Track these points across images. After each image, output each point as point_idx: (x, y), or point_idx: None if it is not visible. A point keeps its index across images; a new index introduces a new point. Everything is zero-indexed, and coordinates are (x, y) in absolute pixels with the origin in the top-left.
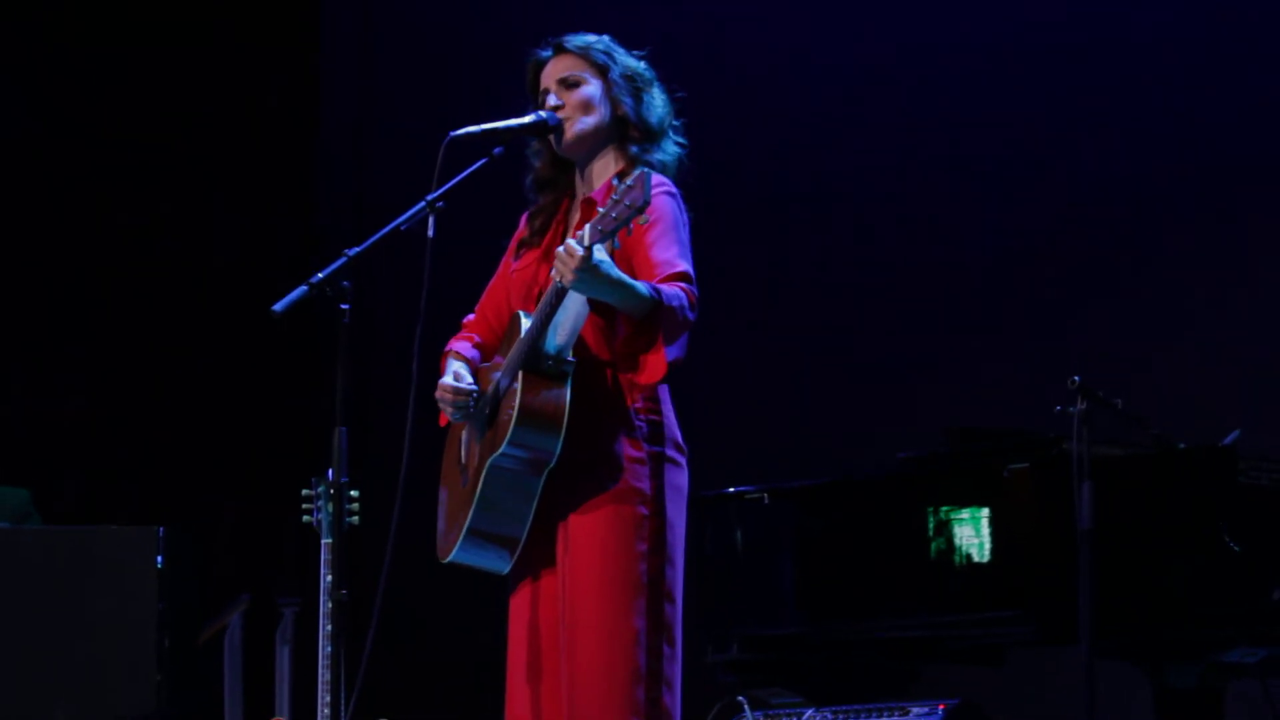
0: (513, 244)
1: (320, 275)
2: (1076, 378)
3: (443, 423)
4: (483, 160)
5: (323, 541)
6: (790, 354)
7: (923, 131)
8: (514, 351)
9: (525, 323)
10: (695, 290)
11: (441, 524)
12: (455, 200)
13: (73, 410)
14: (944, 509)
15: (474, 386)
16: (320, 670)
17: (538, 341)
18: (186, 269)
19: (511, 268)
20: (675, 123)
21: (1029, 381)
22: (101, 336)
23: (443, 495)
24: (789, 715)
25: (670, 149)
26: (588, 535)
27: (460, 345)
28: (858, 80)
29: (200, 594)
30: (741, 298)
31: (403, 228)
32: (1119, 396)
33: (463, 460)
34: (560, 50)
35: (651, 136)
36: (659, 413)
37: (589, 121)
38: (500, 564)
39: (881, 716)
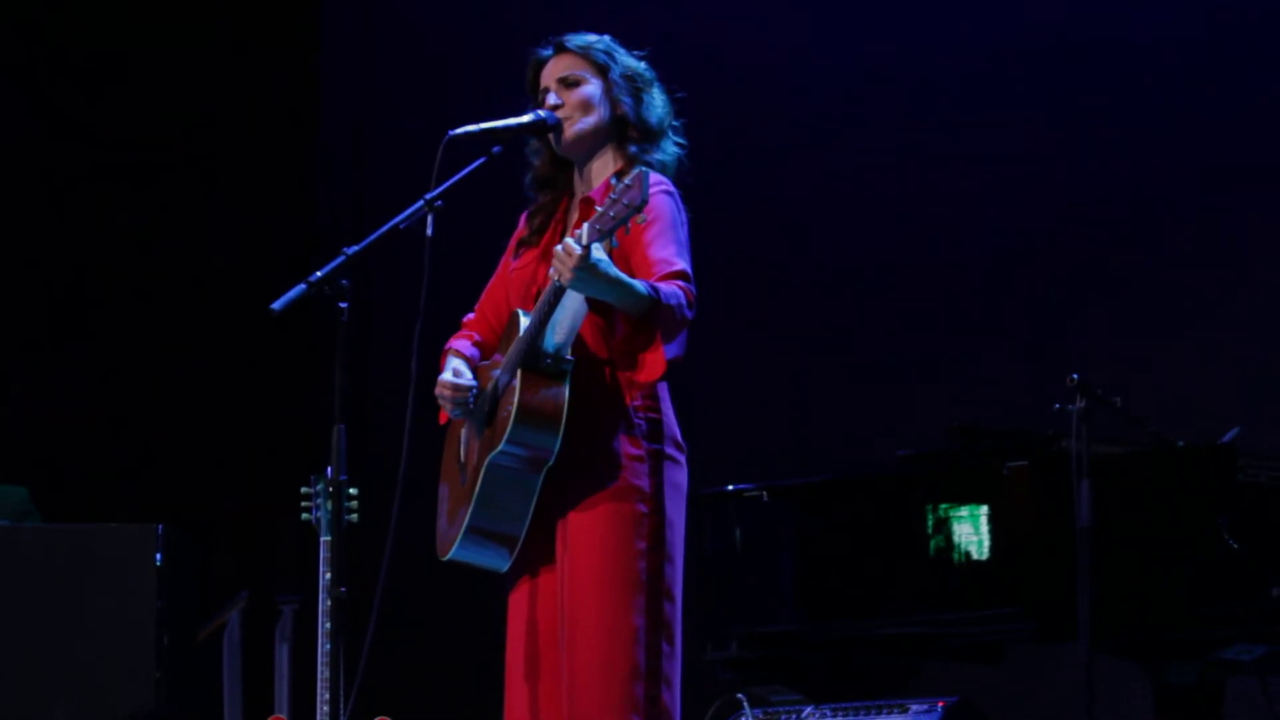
0: (512, 243)
1: (319, 274)
2: (1075, 375)
3: (443, 420)
4: (482, 159)
5: (322, 539)
6: (790, 352)
7: (923, 131)
8: (513, 350)
9: (524, 321)
10: (693, 288)
11: (441, 522)
12: (454, 199)
13: (72, 409)
14: (943, 507)
15: (473, 382)
16: (319, 668)
17: (536, 340)
18: (186, 269)
19: (510, 267)
20: (675, 123)
21: (1029, 381)
22: (101, 336)
23: (442, 493)
24: (788, 713)
25: (670, 149)
26: (587, 533)
27: (460, 343)
28: (858, 80)
29: (199, 592)
30: (741, 297)
31: (401, 226)
32: (1118, 395)
33: (462, 458)
34: (561, 49)
35: (651, 136)
36: (658, 410)
37: (588, 121)
38: (499, 562)
39: (881, 714)
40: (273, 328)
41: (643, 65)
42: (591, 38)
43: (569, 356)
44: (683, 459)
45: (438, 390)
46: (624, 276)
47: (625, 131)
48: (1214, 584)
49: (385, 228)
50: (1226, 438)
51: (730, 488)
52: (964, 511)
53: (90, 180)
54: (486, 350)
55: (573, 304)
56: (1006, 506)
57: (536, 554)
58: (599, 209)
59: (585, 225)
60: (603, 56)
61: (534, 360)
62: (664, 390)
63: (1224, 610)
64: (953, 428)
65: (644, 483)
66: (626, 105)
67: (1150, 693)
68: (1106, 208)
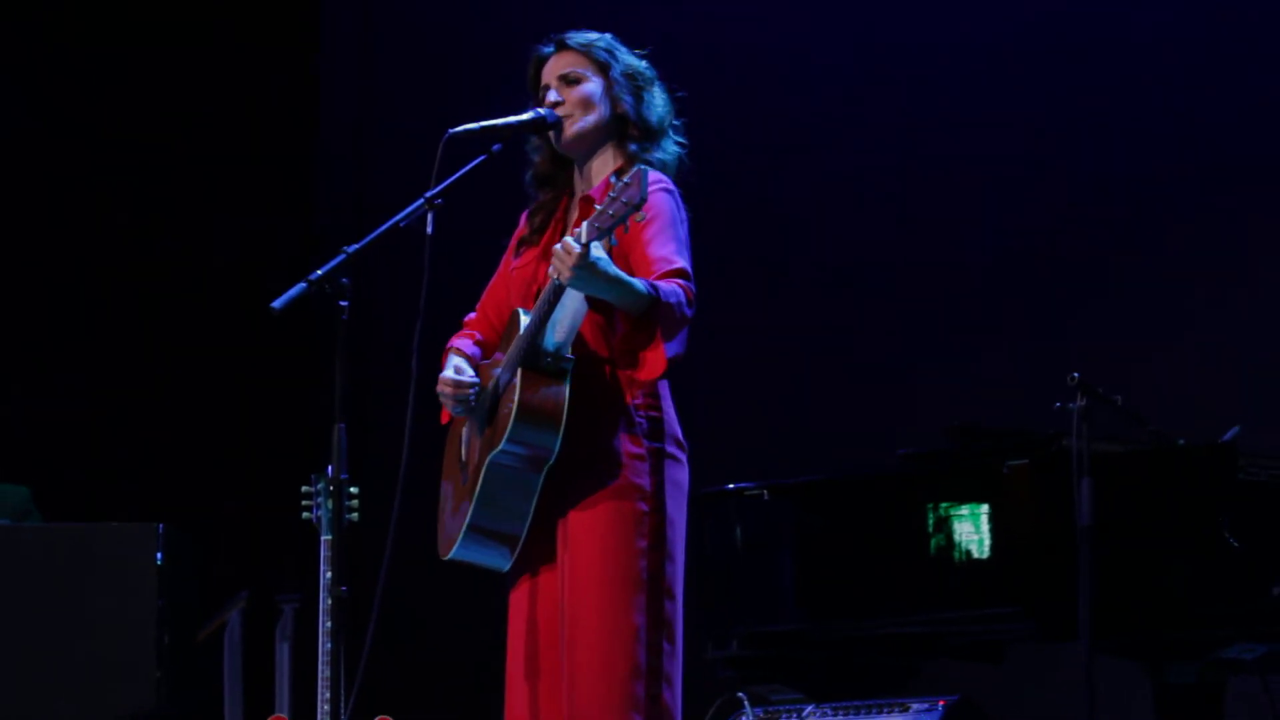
0: (513, 242)
1: (319, 272)
2: (1075, 374)
3: (444, 420)
4: (481, 157)
5: (322, 538)
6: (790, 352)
7: (923, 131)
8: (513, 348)
9: (524, 320)
10: (693, 287)
11: (442, 521)
12: (454, 197)
13: (72, 409)
14: (944, 506)
15: (475, 379)
16: (320, 667)
17: (536, 339)
18: (186, 268)
19: (511, 266)
20: (675, 122)
21: (1029, 381)
22: (101, 336)
23: (443, 492)
24: (789, 712)
25: (670, 148)
26: (587, 532)
27: (461, 342)
28: (858, 80)
29: (200, 591)
30: (742, 296)
31: (401, 225)
32: (1118, 394)
33: (463, 457)
34: (562, 47)
35: (651, 135)
36: (659, 409)
37: (588, 119)
38: (500, 561)
39: (881, 713)
40: (273, 327)
41: (643, 64)
42: (593, 36)
43: (569, 355)
44: (684, 457)
45: (439, 388)
46: (623, 275)
47: (625, 130)
48: (1214, 583)
49: (385, 226)
50: (1227, 436)
51: (731, 486)
52: (964, 510)
53: (90, 180)
54: (488, 349)
55: (573, 302)
56: (1007, 505)
57: (537, 553)
58: (598, 207)
59: (584, 224)
60: (604, 55)
61: (534, 359)
62: (665, 389)
63: (1224, 609)
64: (953, 427)
65: (645, 481)
66: (627, 104)
67: (1151, 692)
68: (1106, 208)
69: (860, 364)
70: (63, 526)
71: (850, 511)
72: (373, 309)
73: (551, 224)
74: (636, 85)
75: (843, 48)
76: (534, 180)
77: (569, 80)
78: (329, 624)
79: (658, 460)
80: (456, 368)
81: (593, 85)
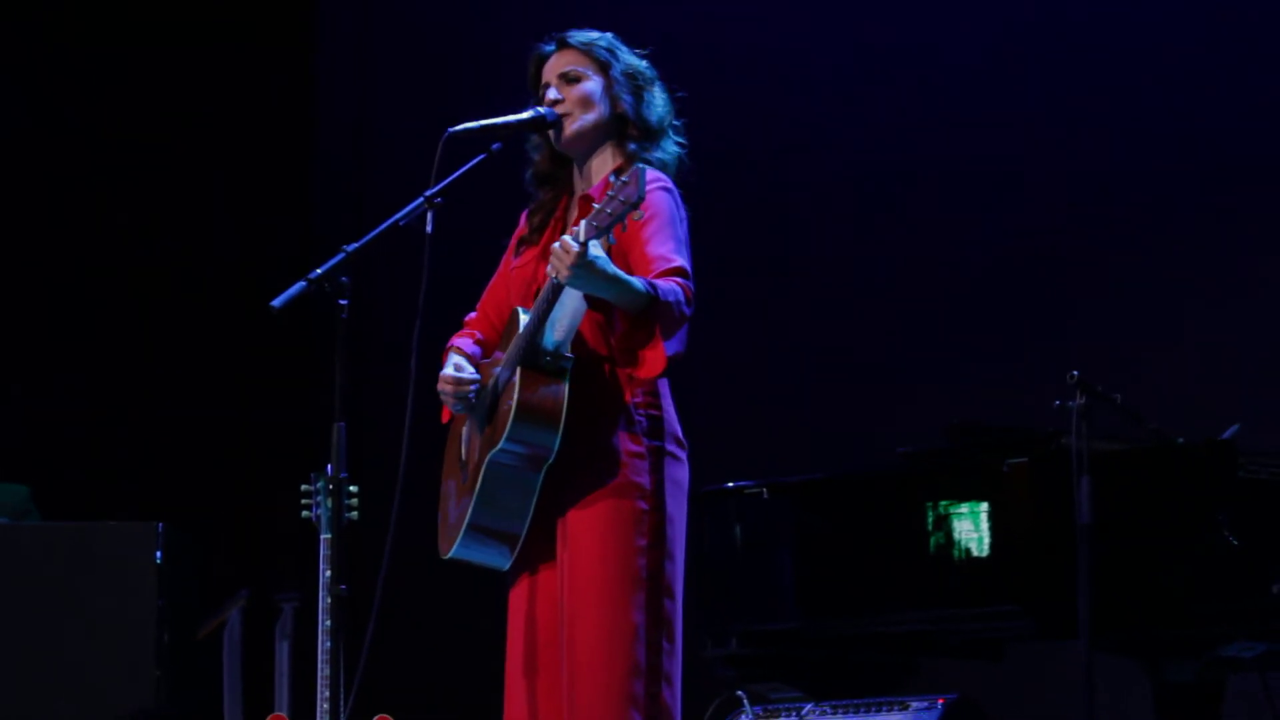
0: (513, 241)
1: (319, 271)
2: (1075, 372)
3: (445, 419)
4: (481, 156)
5: (322, 537)
6: (790, 350)
7: (923, 131)
8: (512, 347)
9: (524, 319)
10: (692, 285)
11: (442, 520)
12: (454, 196)
13: (72, 408)
14: (943, 504)
15: (475, 376)
16: (319, 666)
17: (535, 337)
18: (186, 268)
19: (511, 265)
20: (676, 122)
21: (1029, 381)
22: (101, 336)
23: (444, 491)
24: (788, 710)
25: (670, 148)
26: (587, 530)
27: (461, 341)
28: (858, 80)
29: (199, 590)
30: (742, 295)
31: (401, 224)
32: (1118, 393)
33: (463, 456)
34: (563, 45)
35: (650, 135)
36: (659, 407)
37: (588, 118)
38: (500, 560)
39: (880, 711)
40: (272, 326)
41: (644, 64)
42: (594, 34)
43: (568, 354)
44: (684, 456)
45: (440, 386)
46: (621, 273)
47: (625, 129)
48: (1214, 581)
49: (385, 225)
50: (1226, 434)
51: (730, 485)
52: (964, 509)
53: (89, 180)
54: (488, 348)
55: (571, 301)
56: (1006, 504)
57: (537, 552)
58: (596, 206)
59: (582, 222)
60: (604, 54)
61: (533, 358)
62: (665, 387)
63: (1224, 607)
64: (953, 426)
65: (644, 479)
66: (626, 103)
67: (1150, 690)
68: (1106, 208)
69: (860, 363)
70: (62, 525)
71: (850, 510)
72: (372, 308)
73: (551, 223)
74: (636, 85)
75: (843, 48)
76: (534, 179)
77: (569, 79)
78: (328, 623)
79: (657, 458)
80: (456, 365)
81: (593, 84)
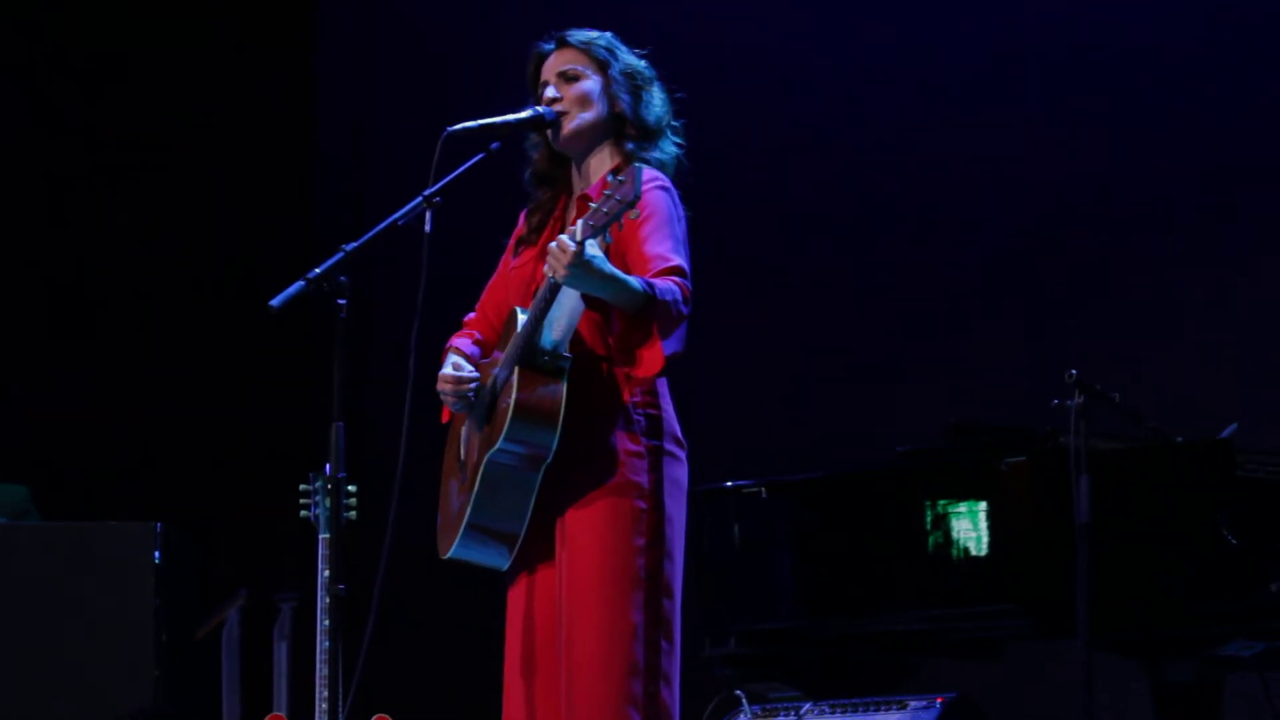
0: (512, 241)
1: (317, 270)
2: (1073, 371)
3: (445, 419)
4: (480, 155)
5: (320, 536)
6: (789, 349)
7: (923, 131)
8: (510, 346)
9: (522, 319)
10: (689, 284)
11: (441, 520)
12: (453, 196)
13: (72, 409)
14: (941, 503)
15: (475, 374)
16: (318, 665)
17: (533, 337)
18: (185, 268)
19: (510, 265)
20: (675, 123)
21: (1028, 380)
22: (101, 336)
23: (443, 491)
24: (786, 709)
25: (668, 148)
26: (585, 529)
27: (460, 341)
28: (858, 80)
29: (198, 589)
30: (741, 294)
31: (400, 223)
32: (1116, 392)
33: (462, 456)
34: (562, 44)
35: (648, 135)
36: (657, 406)
37: (586, 116)
38: (499, 560)
39: (879, 710)
40: (271, 325)
41: (643, 64)
42: (593, 34)
43: (566, 353)
44: (683, 455)
45: (439, 385)
46: (618, 272)
47: (623, 128)
48: (1212, 580)
49: (384, 224)
50: (1224, 433)
51: (729, 484)
52: (962, 508)
53: (89, 180)
54: (487, 349)
55: (569, 301)
56: (1005, 503)
57: (536, 552)
58: (593, 205)
59: (579, 221)
60: (603, 53)
61: (531, 357)
62: (664, 386)
63: (1222, 606)
64: (951, 425)
65: (643, 479)
66: (624, 102)
67: (1148, 689)
68: (1106, 208)
69: (859, 362)
70: (61, 525)
71: (848, 509)
72: (371, 307)
73: (550, 223)
74: (635, 84)
75: (843, 48)
76: (532, 178)
77: (568, 77)
78: (327, 622)
79: (656, 458)
80: (455, 364)
81: (591, 83)
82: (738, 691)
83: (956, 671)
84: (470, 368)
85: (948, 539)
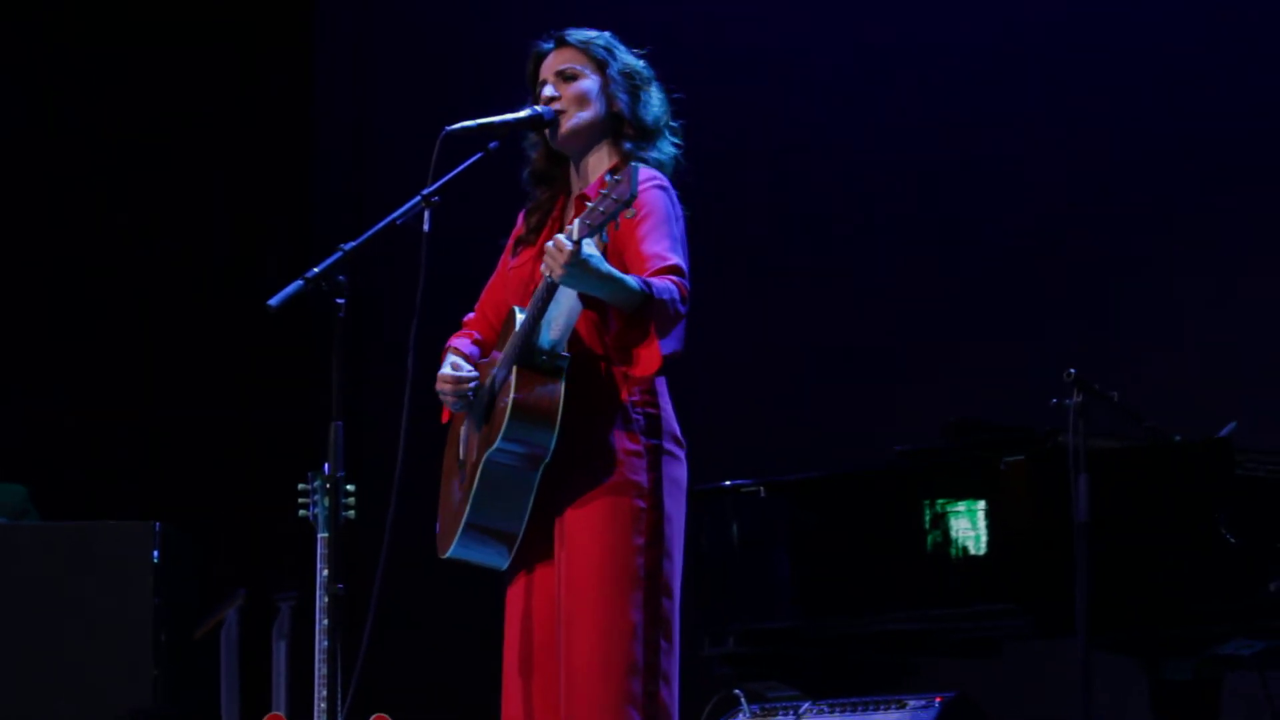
0: (510, 241)
1: (316, 270)
2: (1072, 370)
3: (445, 419)
4: (478, 155)
5: (319, 536)
6: (788, 349)
7: (922, 131)
8: (509, 346)
9: (520, 318)
10: (687, 283)
11: (441, 520)
12: (451, 195)
13: (72, 409)
14: (940, 502)
15: (474, 373)
16: (317, 665)
17: (531, 337)
18: (184, 268)
19: (509, 265)
20: (673, 123)
21: (1028, 379)
22: (101, 336)
23: (442, 491)
24: (785, 709)
25: (666, 148)
26: (584, 529)
27: (459, 341)
28: (858, 80)
29: (197, 589)
30: (740, 294)
31: (399, 222)
32: (1115, 391)
33: (461, 456)
34: (561, 43)
35: (646, 134)
36: (656, 406)
37: (584, 115)
38: (499, 559)
39: (878, 710)
40: (270, 325)
41: (642, 64)
42: (592, 33)
43: (564, 353)
44: (682, 454)
45: (439, 385)
46: (615, 272)
47: (621, 128)
48: (1211, 579)
49: (382, 223)
50: (1223, 432)
51: (727, 483)
52: (961, 507)
53: (89, 180)
54: (486, 348)
55: (566, 300)
56: (1004, 502)
57: (535, 551)
58: (590, 204)
59: (576, 221)
60: (602, 52)
61: (529, 357)
62: (663, 385)
63: (1221, 605)
64: (950, 424)
65: (642, 478)
66: (623, 102)
67: (1147, 688)
68: (1106, 208)
69: (858, 362)
70: (60, 525)
71: (847, 508)
72: (370, 307)
73: (548, 223)
74: (633, 84)
75: (843, 48)
76: (531, 178)
77: (566, 76)
78: (326, 622)
79: (655, 457)
80: (454, 364)
81: (589, 82)
82: (736, 691)
83: (956, 671)
84: (469, 367)
85: (947, 538)
